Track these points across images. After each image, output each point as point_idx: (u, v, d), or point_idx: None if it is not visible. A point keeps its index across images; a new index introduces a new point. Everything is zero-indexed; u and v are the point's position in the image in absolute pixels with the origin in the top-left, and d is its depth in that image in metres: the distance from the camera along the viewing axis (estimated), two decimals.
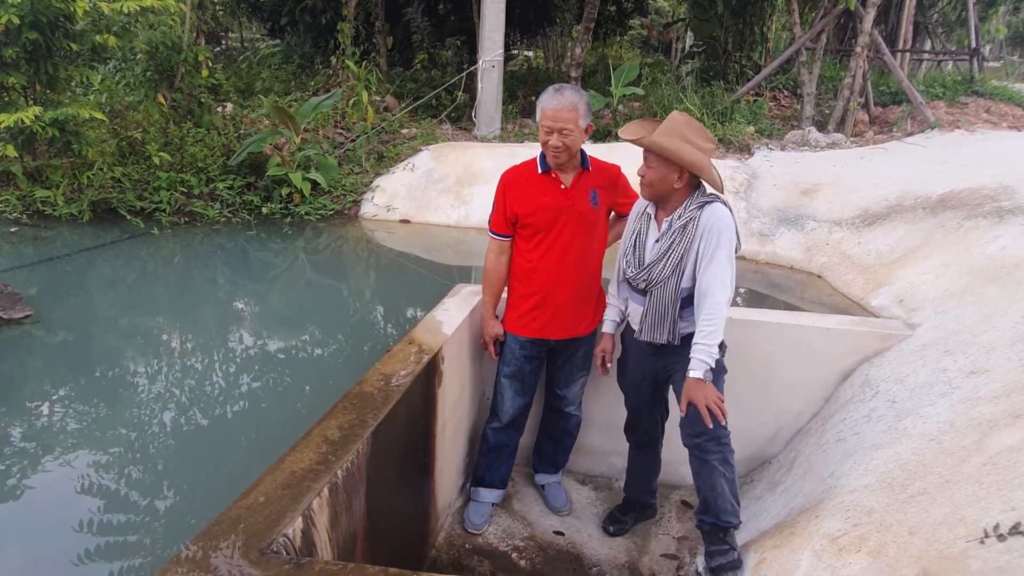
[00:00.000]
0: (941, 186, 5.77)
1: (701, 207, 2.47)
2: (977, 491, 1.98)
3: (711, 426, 2.38)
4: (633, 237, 2.64)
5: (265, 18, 14.15)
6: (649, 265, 2.54)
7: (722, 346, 2.61)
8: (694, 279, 2.49)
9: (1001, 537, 1.77)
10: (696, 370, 2.39)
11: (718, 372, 2.53)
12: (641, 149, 2.51)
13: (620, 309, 2.84)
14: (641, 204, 2.68)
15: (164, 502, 3.12)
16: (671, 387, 2.74)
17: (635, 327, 2.69)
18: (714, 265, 2.42)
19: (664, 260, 2.51)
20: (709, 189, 2.53)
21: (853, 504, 2.24)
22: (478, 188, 7.74)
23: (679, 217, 2.49)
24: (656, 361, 2.68)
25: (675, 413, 2.66)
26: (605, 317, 2.90)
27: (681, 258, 2.49)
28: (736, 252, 2.51)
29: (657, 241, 2.56)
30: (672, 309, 2.54)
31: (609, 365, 2.90)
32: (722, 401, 2.39)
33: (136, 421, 3.74)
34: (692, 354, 2.41)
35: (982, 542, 1.79)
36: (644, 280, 2.56)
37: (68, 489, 3.16)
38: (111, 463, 3.36)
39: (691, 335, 2.56)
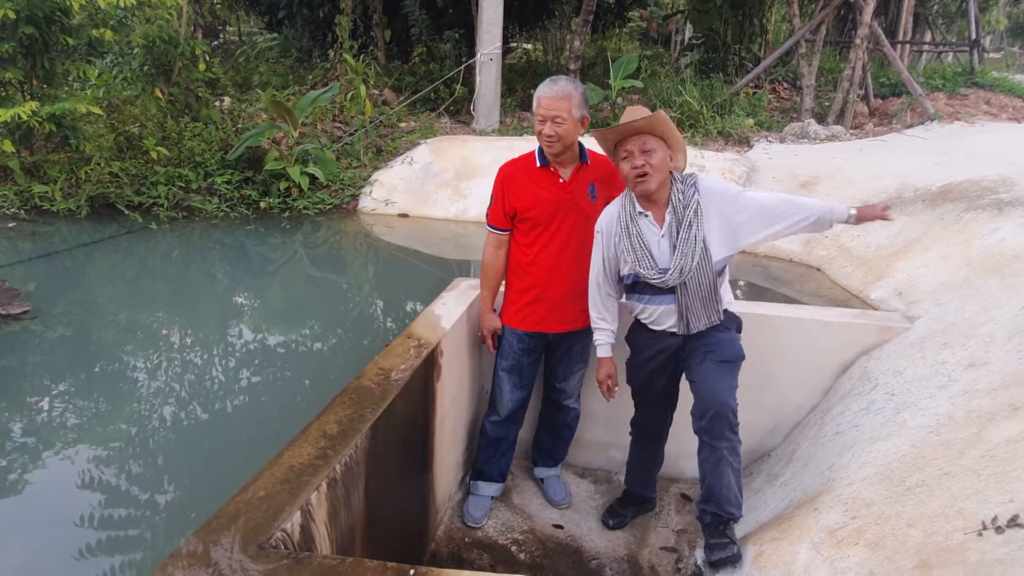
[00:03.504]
0: (940, 178, 5.76)
1: (694, 185, 2.50)
2: (975, 483, 1.99)
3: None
4: (635, 240, 2.52)
5: (263, 11, 14.09)
6: (681, 264, 2.46)
7: (740, 328, 2.63)
8: (724, 249, 2.51)
9: (999, 529, 1.78)
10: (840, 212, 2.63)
11: (735, 359, 2.54)
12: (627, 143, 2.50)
13: (612, 331, 2.75)
14: (615, 210, 2.59)
15: (163, 496, 3.13)
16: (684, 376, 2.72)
17: (671, 327, 2.58)
18: (747, 194, 2.51)
19: (690, 251, 2.46)
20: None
21: (851, 497, 2.24)
22: (476, 182, 7.73)
23: (684, 206, 2.48)
24: (675, 355, 2.65)
25: (683, 406, 2.66)
26: (600, 341, 2.77)
27: (703, 240, 2.47)
28: None
29: (663, 237, 2.50)
30: (711, 288, 2.50)
31: (616, 389, 2.81)
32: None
33: (135, 416, 3.74)
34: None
35: (980, 534, 1.80)
36: (676, 278, 2.47)
37: (68, 484, 3.16)
38: (110, 458, 3.36)
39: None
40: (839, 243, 5.85)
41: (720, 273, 2.55)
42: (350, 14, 10.09)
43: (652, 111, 2.49)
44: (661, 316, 2.61)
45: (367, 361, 2.57)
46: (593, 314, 2.76)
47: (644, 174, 2.43)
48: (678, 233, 2.47)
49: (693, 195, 2.48)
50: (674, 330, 2.59)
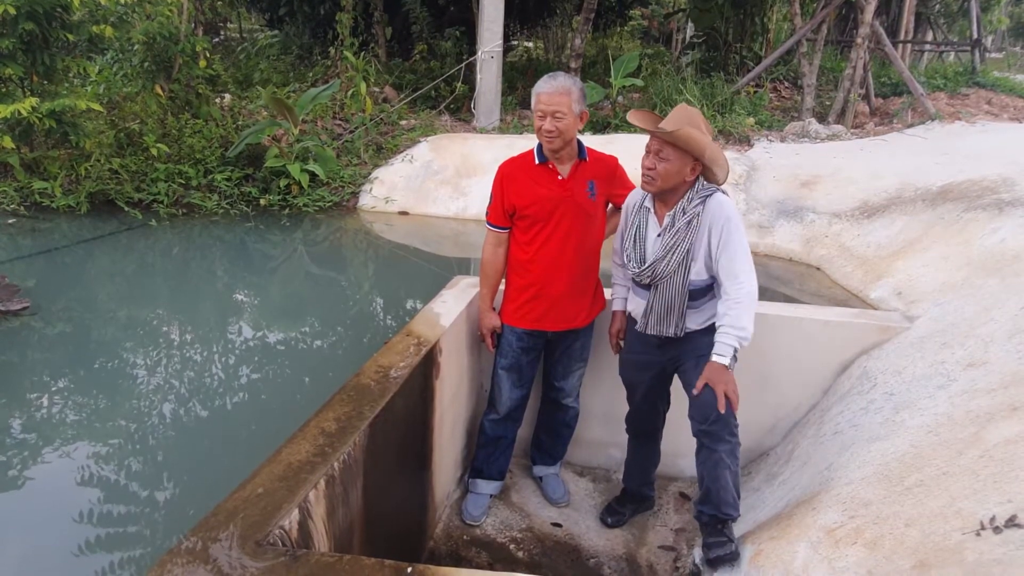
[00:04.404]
0: (941, 178, 5.76)
1: (704, 200, 2.46)
2: (974, 483, 1.99)
3: (723, 411, 2.35)
4: (633, 231, 2.60)
5: (263, 8, 14.08)
6: (654, 262, 2.52)
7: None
8: (704, 272, 2.50)
9: (997, 529, 1.78)
10: (723, 356, 2.37)
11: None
12: (644, 141, 2.49)
13: (627, 288, 2.81)
14: (636, 197, 2.66)
15: (162, 493, 3.13)
16: (676, 377, 2.73)
17: (638, 320, 2.67)
18: (731, 249, 2.42)
19: (669, 256, 2.49)
20: (706, 182, 2.52)
21: (850, 496, 2.24)
22: (477, 180, 7.73)
23: (683, 212, 2.47)
24: (663, 353, 2.68)
25: (680, 405, 2.66)
26: (615, 295, 2.89)
27: (687, 252, 2.47)
28: None
29: (659, 236, 2.53)
30: (680, 302, 2.53)
31: (622, 342, 2.88)
32: (737, 393, 2.39)
33: (134, 413, 3.74)
34: (719, 338, 2.39)
35: (978, 534, 1.80)
36: (649, 276, 2.54)
37: (67, 480, 3.16)
38: (110, 454, 3.37)
39: (699, 328, 2.56)
40: (839, 242, 5.85)
41: (703, 294, 2.54)
42: (351, 11, 10.08)
43: (658, 117, 2.46)
44: (637, 308, 2.68)
45: (366, 359, 2.57)
46: (615, 272, 2.88)
47: (648, 176, 2.47)
48: (672, 236, 2.50)
49: (697, 207, 2.46)
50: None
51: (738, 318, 2.37)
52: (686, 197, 2.49)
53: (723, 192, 2.50)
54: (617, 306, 2.88)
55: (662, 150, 2.42)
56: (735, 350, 2.39)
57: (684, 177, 2.45)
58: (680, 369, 2.66)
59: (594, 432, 3.39)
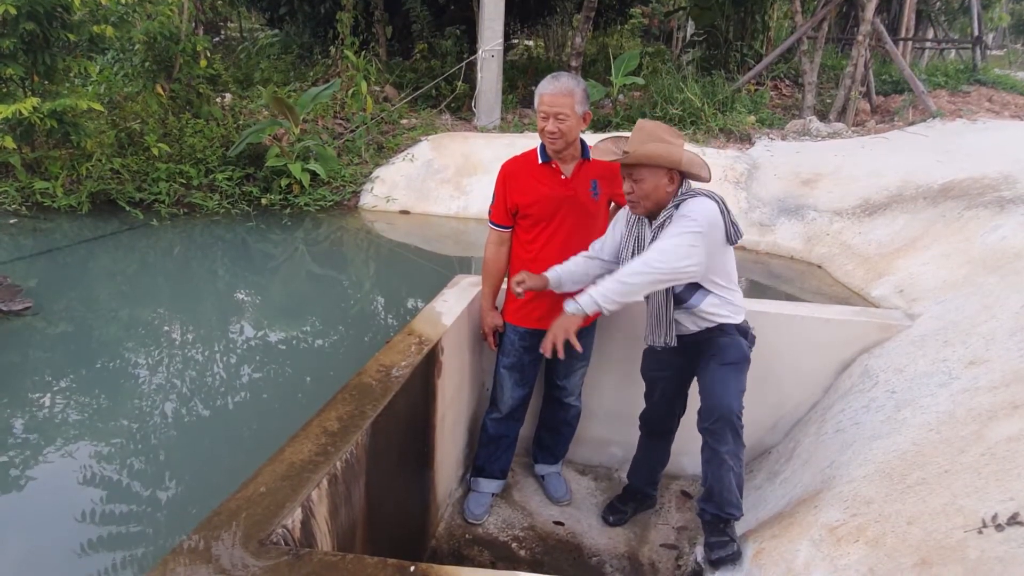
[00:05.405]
0: (942, 176, 5.76)
1: (678, 205, 2.45)
2: (976, 481, 1.99)
3: (547, 354, 2.37)
4: (632, 243, 2.58)
5: (264, 7, 14.06)
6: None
7: (748, 336, 2.61)
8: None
9: (999, 527, 1.78)
10: (571, 304, 2.35)
11: (740, 361, 2.52)
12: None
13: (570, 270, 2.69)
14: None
15: (165, 493, 3.13)
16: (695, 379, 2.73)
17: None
18: (663, 236, 2.37)
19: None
20: (695, 185, 2.52)
21: (852, 494, 2.24)
22: (478, 178, 7.73)
23: (662, 214, 2.48)
24: (680, 353, 2.67)
25: (691, 404, 2.67)
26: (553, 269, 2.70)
27: None
28: (735, 242, 2.50)
29: (650, 239, 2.53)
30: (666, 309, 2.53)
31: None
32: (569, 337, 2.34)
33: (136, 412, 3.74)
34: (587, 289, 2.35)
35: (980, 532, 1.80)
36: None
37: (69, 480, 3.17)
38: (112, 454, 3.37)
39: (705, 329, 2.55)
40: (840, 240, 5.85)
41: (689, 295, 2.52)
42: (351, 10, 10.06)
43: (624, 139, 2.45)
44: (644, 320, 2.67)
45: (368, 358, 2.57)
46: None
47: (630, 201, 2.49)
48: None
49: (671, 210, 2.45)
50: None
51: (615, 284, 2.30)
52: (670, 204, 2.49)
53: (704, 194, 2.45)
54: (548, 273, 2.68)
55: (633, 172, 2.43)
56: (587, 306, 2.32)
57: (664, 189, 2.44)
58: (697, 369, 2.66)
59: (596, 430, 3.39)
